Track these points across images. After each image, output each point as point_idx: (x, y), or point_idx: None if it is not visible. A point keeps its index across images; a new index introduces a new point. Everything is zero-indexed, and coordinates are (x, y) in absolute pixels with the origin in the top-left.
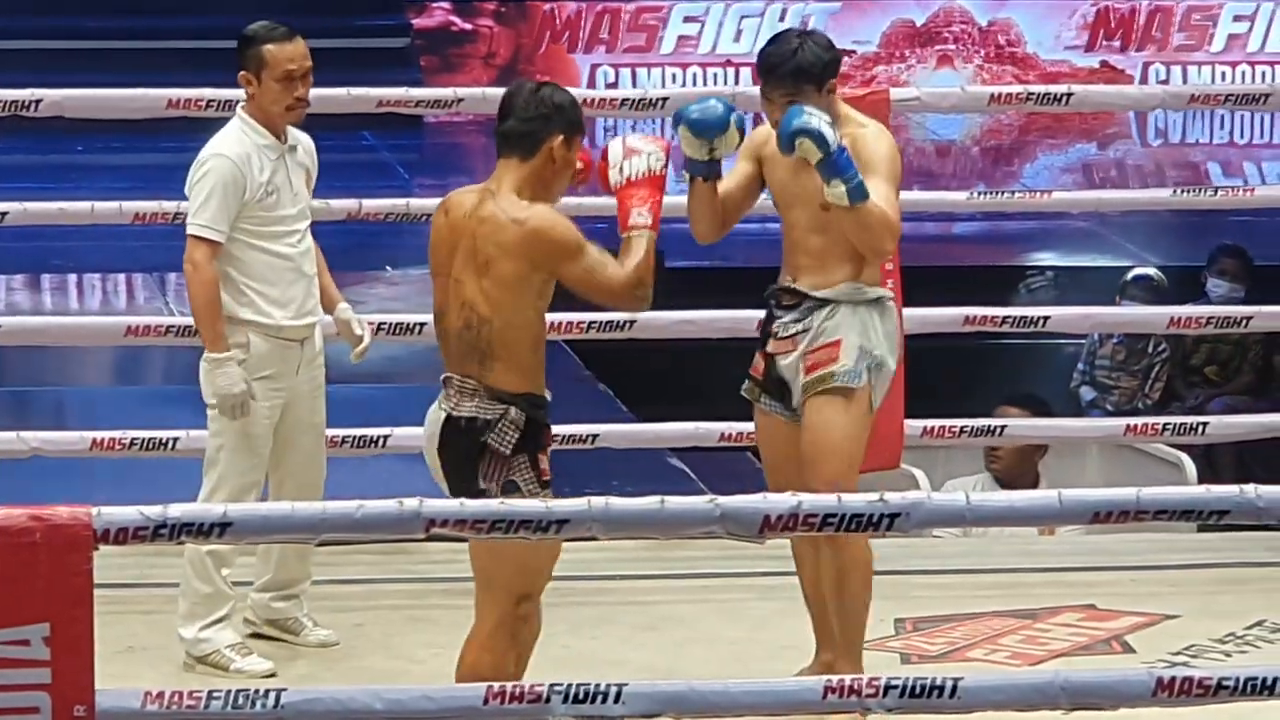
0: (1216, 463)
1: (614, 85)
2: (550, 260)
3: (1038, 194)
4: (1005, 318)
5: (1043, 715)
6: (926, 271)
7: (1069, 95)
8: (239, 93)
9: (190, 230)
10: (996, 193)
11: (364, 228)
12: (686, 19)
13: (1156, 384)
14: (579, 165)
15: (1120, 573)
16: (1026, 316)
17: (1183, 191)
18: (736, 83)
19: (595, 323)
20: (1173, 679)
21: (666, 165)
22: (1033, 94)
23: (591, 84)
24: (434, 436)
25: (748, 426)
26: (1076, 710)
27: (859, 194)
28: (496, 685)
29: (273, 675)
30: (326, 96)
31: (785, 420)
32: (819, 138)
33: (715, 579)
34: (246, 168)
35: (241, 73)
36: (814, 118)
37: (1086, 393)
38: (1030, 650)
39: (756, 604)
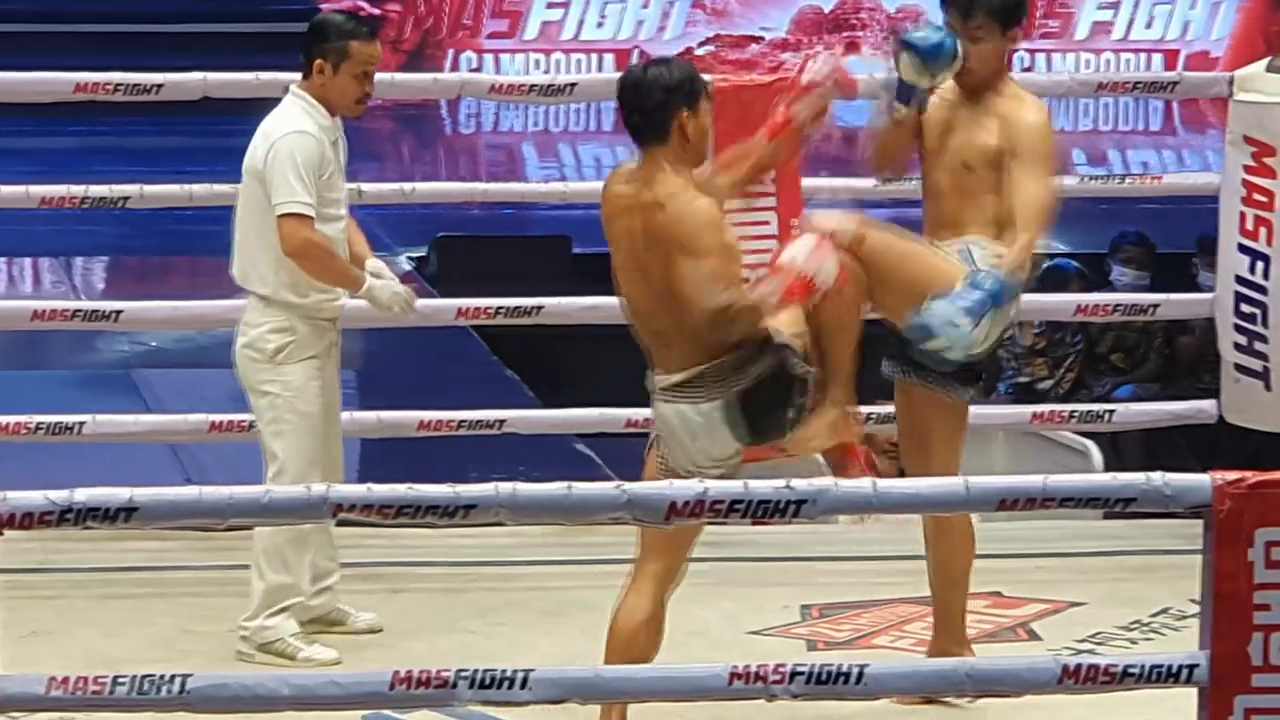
0: (1122, 450)
1: (477, 70)
2: (676, 245)
3: None
4: None
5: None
6: None
7: None
8: (148, 77)
9: (286, 209)
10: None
11: None
12: (550, 5)
13: (1068, 374)
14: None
15: (1026, 560)
16: None
17: (1090, 179)
18: (600, 69)
19: (503, 309)
20: (1078, 666)
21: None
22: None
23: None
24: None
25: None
26: (982, 697)
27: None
28: (402, 671)
29: (339, 663)
30: (234, 81)
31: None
32: (953, 337)
33: (622, 565)
34: (322, 147)
35: (317, 60)
36: (946, 324)
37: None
38: None
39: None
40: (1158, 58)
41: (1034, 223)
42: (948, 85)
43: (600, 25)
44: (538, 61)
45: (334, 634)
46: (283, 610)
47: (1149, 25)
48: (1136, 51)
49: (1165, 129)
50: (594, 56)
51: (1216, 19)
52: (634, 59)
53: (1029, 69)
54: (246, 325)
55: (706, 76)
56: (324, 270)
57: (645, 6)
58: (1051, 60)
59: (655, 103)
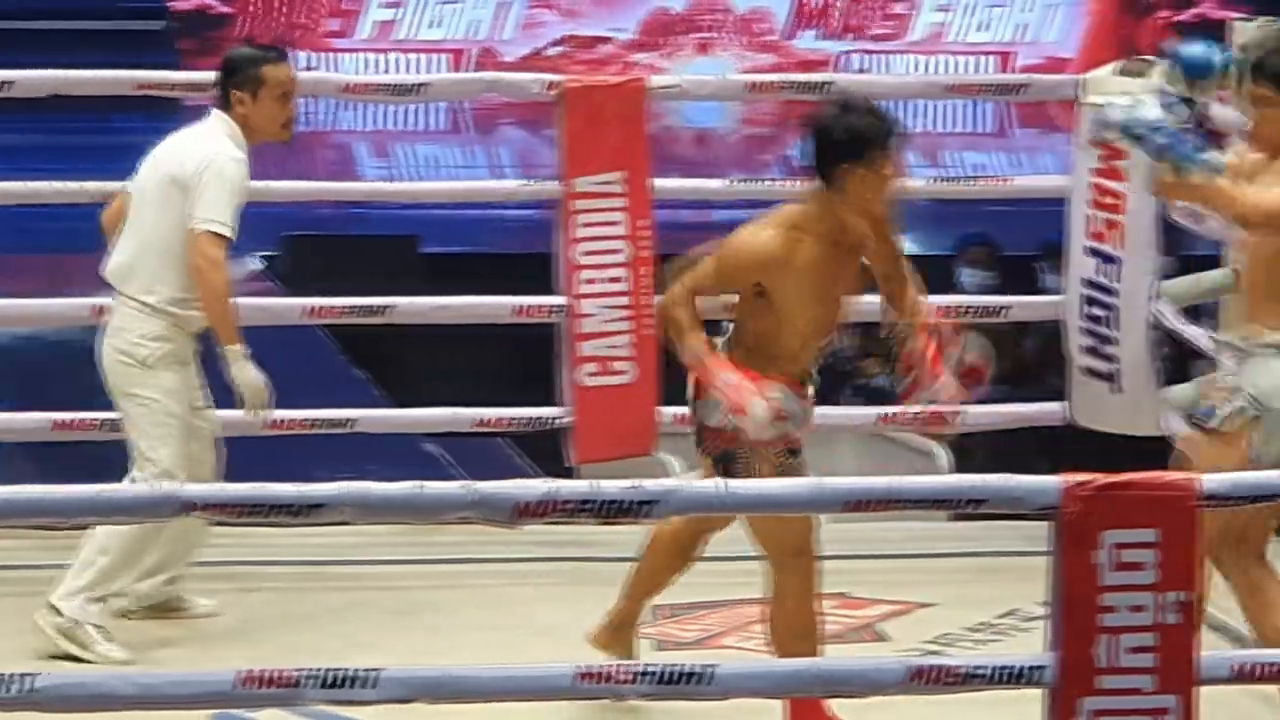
0: (970, 452)
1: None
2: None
3: (794, 182)
4: None
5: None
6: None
7: (828, 84)
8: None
9: (209, 226)
10: (754, 180)
11: None
12: (385, 4)
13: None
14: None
15: (873, 561)
16: None
17: (940, 180)
18: (435, 69)
19: (352, 308)
20: (926, 667)
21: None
22: (791, 83)
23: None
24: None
25: (502, 412)
26: (831, 698)
27: (1186, 161)
28: (249, 670)
29: (130, 663)
30: (82, 78)
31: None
32: (1122, 127)
33: (469, 565)
34: (245, 177)
35: (234, 93)
36: (1113, 108)
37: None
38: None
39: (511, 590)
40: (992, 60)
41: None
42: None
43: (436, 26)
44: (374, 61)
45: (174, 619)
46: (102, 599)
47: (984, 28)
48: (971, 54)
49: (999, 131)
50: (429, 57)
51: (1052, 22)
52: (470, 59)
53: (863, 70)
54: (120, 330)
55: (557, 77)
56: (216, 299)
57: (480, 8)
58: (888, 62)
59: (820, 152)
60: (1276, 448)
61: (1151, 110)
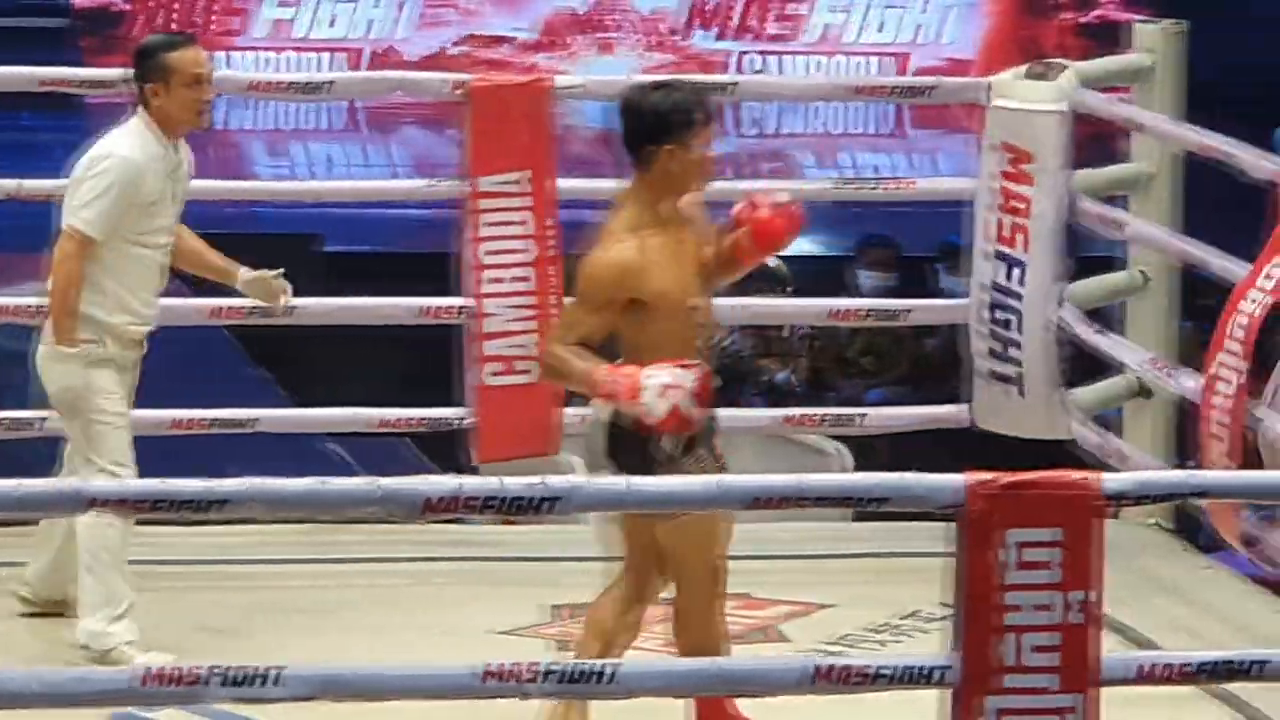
0: (872, 454)
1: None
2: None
3: None
4: None
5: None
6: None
7: (733, 85)
8: None
9: (73, 221)
10: None
11: (25, 208)
12: (281, 3)
13: (801, 360)
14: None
15: (775, 561)
16: None
17: (845, 184)
18: (331, 68)
19: (255, 308)
20: (831, 667)
21: (682, 428)
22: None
23: None
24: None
25: (405, 412)
26: (734, 697)
27: None
28: (153, 668)
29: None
30: None
31: None
32: None
33: (374, 564)
34: (143, 176)
35: (147, 86)
36: None
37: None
38: None
39: (415, 589)
40: (888, 61)
41: None
42: None
43: (331, 25)
44: (267, 60)
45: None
46: (121, 617)
47: (880, 29)
48: (866, 55)
49: (895, 132)
50: (324, 56)
51: (947, 24)
52: (365, 58)
53: (760, 72)
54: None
55: (463, 76)
56: (59, 293)
57: (376, 6)
58: (782, 63)
59: (634, 129)
60: None
61: None
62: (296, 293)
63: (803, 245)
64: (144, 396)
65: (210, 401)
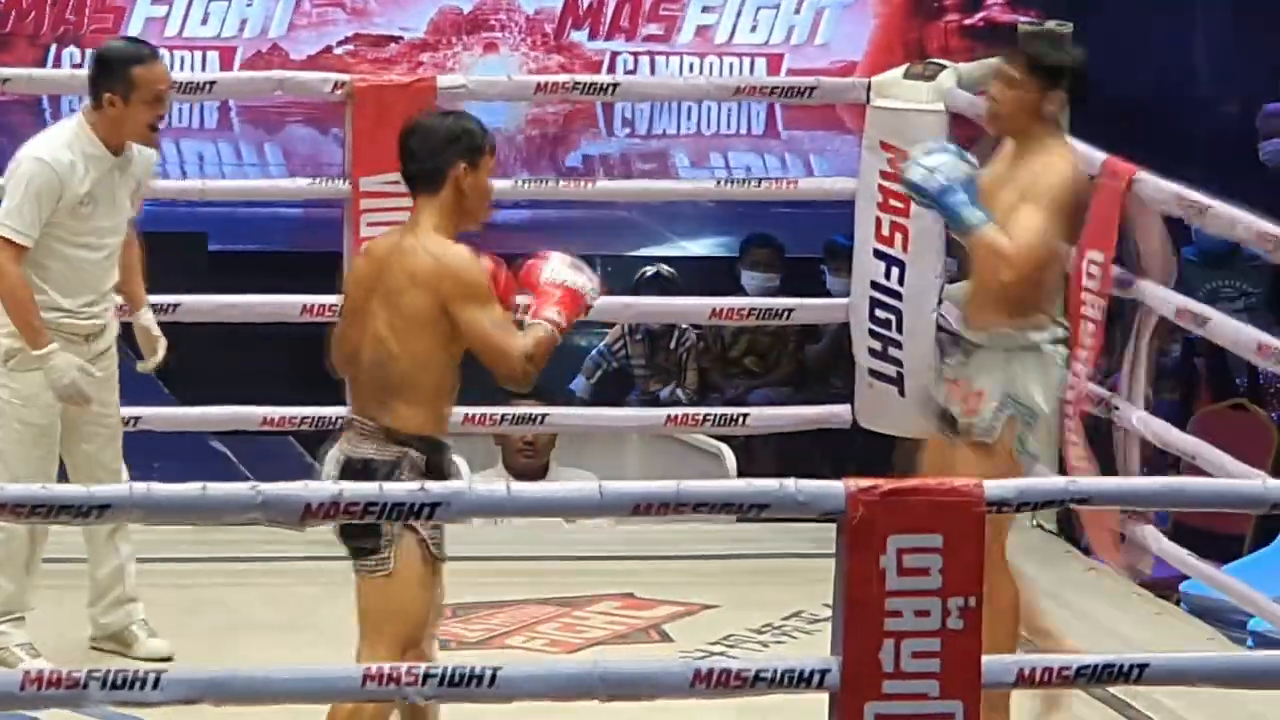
0: (755, 453)
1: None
2: (456, 299)
3: (581, 183)
4: None
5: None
6: None
7: (615, 85)
8: None
9: (1, 230)
10: (541, 180)
11: None
12: (154, 2)
13: (689, 373)
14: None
15: (659, 562)
16: None
17: (727, 183)
18: (204, 67)
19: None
20: (710, 670)
21: (590, 305)
22: (579, 83)
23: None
24: (331, 478)
25: (289, 411)
26: (614, 700)
27: (960, 225)
28: (34, 671)
29: None
30: None
31: (948, 443)
32: (913, 187)
33: (257, 563)
34: (69, 176)
35: (105, 95)
36: (913, 167)
37: (579, 383)
38: (568, 638)
39: (298, 588)
40: (761, 62)
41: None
42: None
43: (204, 23)
44: None
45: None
46: (14, 618)
47: (753, 29)
48: (740, 56)
49: (768, 132)
50: (197, 54)
51: (820, 25)
52: (239, 56)
53: (632, 72)
54: None
55: (345, 76)
56: (10, 305)
57: (249, 5)
58: (655, 64)
59: (433, 149)
60: (1039, 451)
61: (947, 170)
62: (182, 290)
63: (690, 247)
64: None
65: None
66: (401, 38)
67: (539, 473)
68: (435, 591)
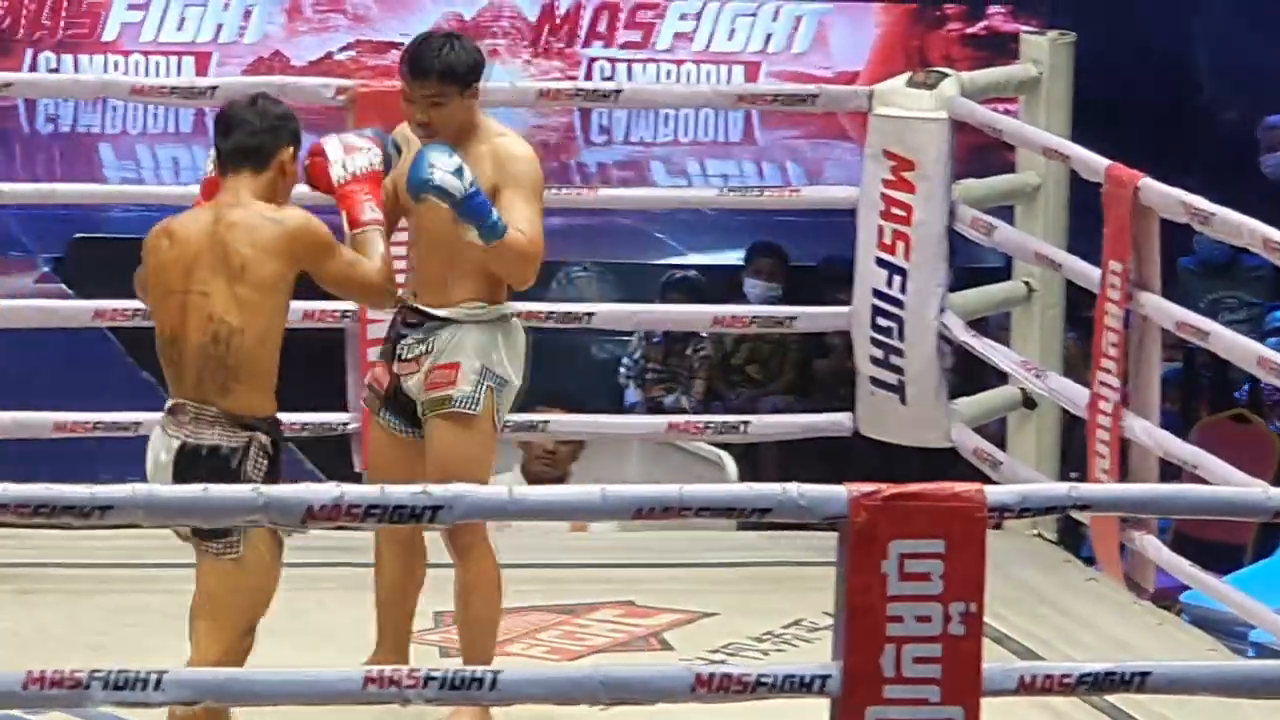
0: (758, 462)
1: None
2: (312, 256)
3: (584, 190)
4: (549, 313)
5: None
6: None
7: (618, 92)
8: None
9: None
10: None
11: None
12: (131, 6)
13: (697, 380)
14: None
15: (660, 570)
16: (571, 312)
17: (729, 191)
18: (180, 71)
19: (140, 310)
20: (711, 675)
21: (383, 162)
22: (581, 90)
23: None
24: (167, 466)
25: (290, 417)
26: (615, 705)
27: (493, 234)
28: (35, 671)
29: None
30: None
31: (403, 437)
32: (441, 191)
33: None
34: None
35: None
36: (437, 170)
37: (631, 395)
38: (568, 646)
39: (297, 593)
40: (739, 69)
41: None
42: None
43: (180, 28)
44: (116, 63)
45: None
46: None
47: (730, 37)
48: (717, 63)
49: (745, 140)
50: (173, 59)
51: (798, 32)
52: (214, 62)
53: (610, 78)
54: None
55: (348, 82)
56: None
57: (226, 9)
58: (632, 71)
59: (267, 127)
60: (504, 417)
61: (466, 174)
62: None
63: (693, 255)
64: (24, 399)
65: (95, 404)
66: (403, 44)
67: (557, 483)
68: (278, 575)
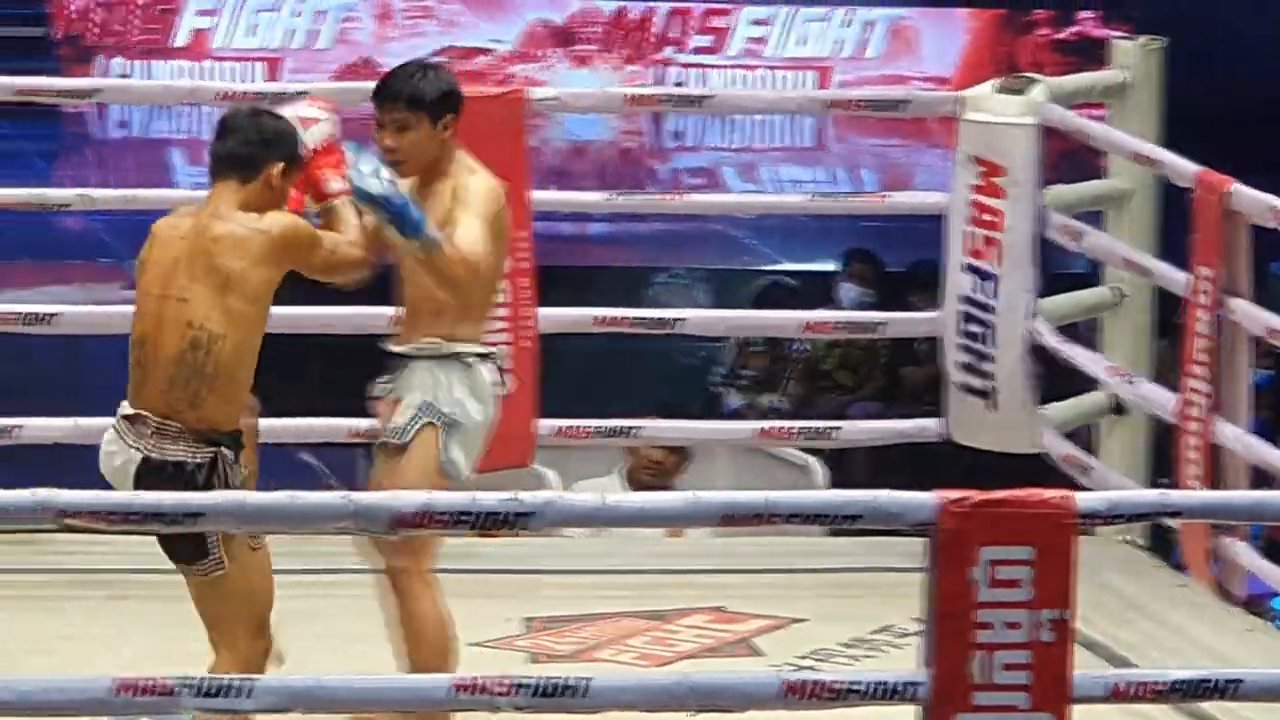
0: (847, 468)
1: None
2: (300, 255)
3: (673, 195)
4: (639, 319)
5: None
6: (560, 271)
7: (707, 97)
8: None
9: None
10: (633, 194)
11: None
12: (201, 12)
13: (792, 383)
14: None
15: (750, 575)
16: (661, 318)
17: (817, 197)
18: (251, 78)
19: None
20: (801, 682)
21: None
22: (670, 95)
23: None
24: (127, 474)
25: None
26: (704, 712)
27: (417, 232)
28: (126, 678)
29: None
30: None
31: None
32: (366, 197)
33: (345, 575)
34: None
35: None
36: (365, 176)
37: (733, 400)
38: (658, 651)
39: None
40: (810, 75)
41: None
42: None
43: (252, 34)
44: (188, 69)
45: None
46: None
47: (803, 42)
48: (789, 69)
49: (816, 146)
50: (244, 65)
51: (871, 38)
52: (285, 68)
53: (681, 84)
54: None
55: None
56: None
57: (297, 16)
58: (706, 77)
59: (260, 139)
60: (463, 460)
61: (384, 173)
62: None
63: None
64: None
65: None
66: (493, 50)
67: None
68: (269, 569)
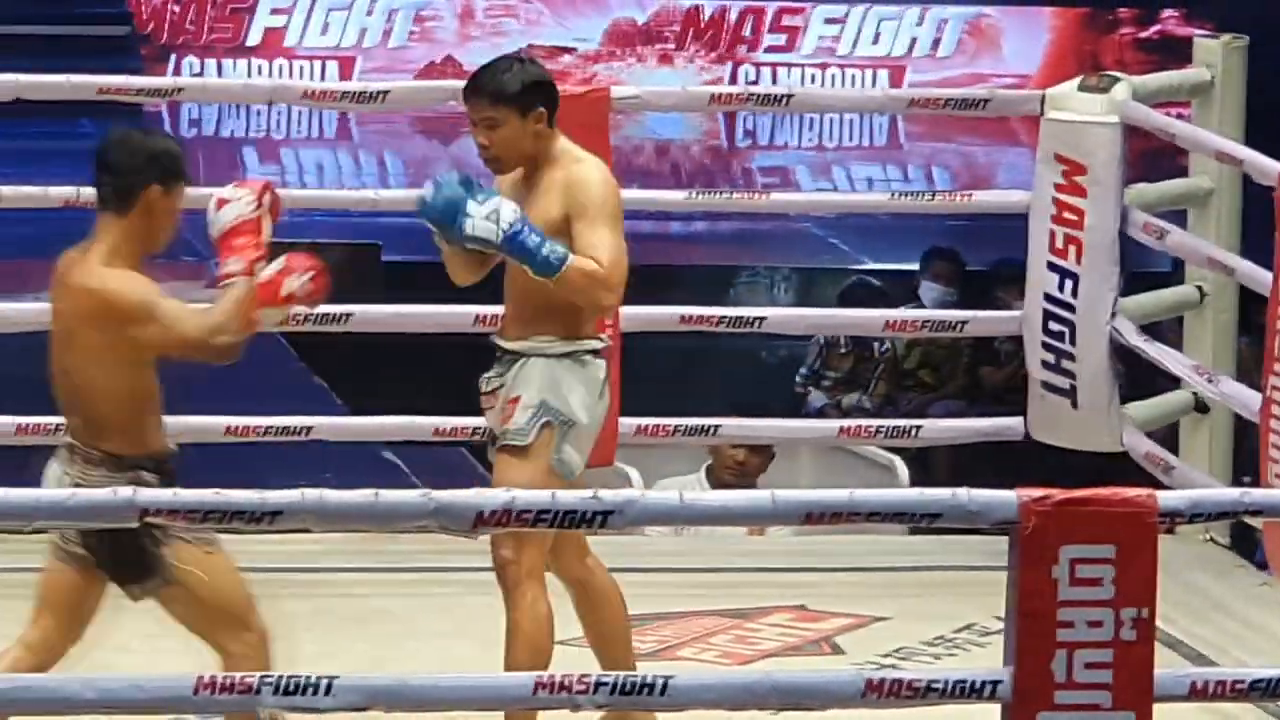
0: (931, 466)
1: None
2: (123, 327)
3: (755, 194)
4: (721, 318)
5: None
6: (641, 270)
7: (789, 96)
8: None
9: None
10: (714, 193)
11: (84, 215)
12: (274, 11)
13: (880, 382)
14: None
15: (831, 574)
16: (743, 317)
17: (900, 195)
18: (324, 76)
19: (311, 315)
20: (882, 680)
21: (260, 204)
22: (753, 94)
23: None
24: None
25: (461, 421)
26: (786, 710)
27: (549, 268)
28: (206, 676)
29: None
30: (47, 83)
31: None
32: (478, 240)
33: (426, 573)
34: None
35: None
36: (470, 219)
37: (817, 399)
38: (740, 650)
39: (467, 598)
40: (883, 73)
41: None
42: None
43: (324, 33)
44: (260, 68)
45: None
46: None
47: (875, 40)
48: (862, 68)
49: (890, 144)
50: (317, 63)
51: (943, 36)
52: (357, 67)
53: (754, 82)
54: None
55: None
56: None
57: (370, 15)
58: (777, 75)
59: (131, 167)
60: (575, 460)
61: (504, 212)
62: (355, 301)
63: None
64: (197, 403)
65: (266, 409)
66: (575, 49)
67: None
68: (233, 565)
